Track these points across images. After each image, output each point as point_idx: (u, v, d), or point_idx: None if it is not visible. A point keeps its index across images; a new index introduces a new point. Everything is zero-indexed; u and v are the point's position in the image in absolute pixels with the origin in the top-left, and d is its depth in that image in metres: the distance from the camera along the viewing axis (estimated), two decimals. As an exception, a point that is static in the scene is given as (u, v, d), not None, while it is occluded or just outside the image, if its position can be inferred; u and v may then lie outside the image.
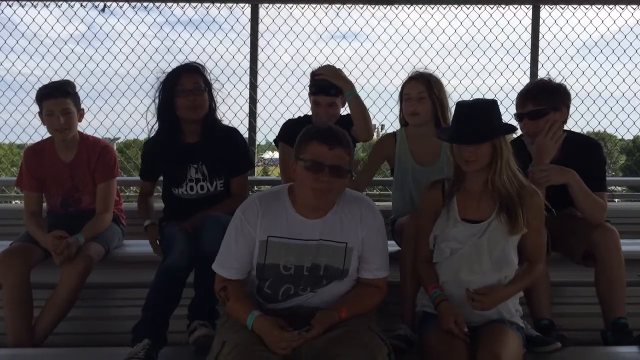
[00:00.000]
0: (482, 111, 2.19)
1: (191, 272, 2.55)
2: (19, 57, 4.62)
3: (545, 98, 2.67)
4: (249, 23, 4.40)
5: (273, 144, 3.36)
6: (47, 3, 4.43)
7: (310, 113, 3.12)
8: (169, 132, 2.84)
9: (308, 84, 3.08)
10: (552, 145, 2.56)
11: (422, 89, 2.91)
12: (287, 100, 4.65)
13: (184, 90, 2.78)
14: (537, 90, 2.72)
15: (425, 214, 2.33)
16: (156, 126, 2.90)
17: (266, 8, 4.45)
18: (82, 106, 3.00)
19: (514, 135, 2.58)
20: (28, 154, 2.99)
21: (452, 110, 2.76)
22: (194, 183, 2.84)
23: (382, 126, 5.28)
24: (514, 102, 2.81)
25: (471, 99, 2.39)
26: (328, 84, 2.89)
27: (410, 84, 2.96)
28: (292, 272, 2.09)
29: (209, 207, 2.77)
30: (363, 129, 2.85)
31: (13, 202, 5.06)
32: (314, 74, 2.98)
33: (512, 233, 2.17)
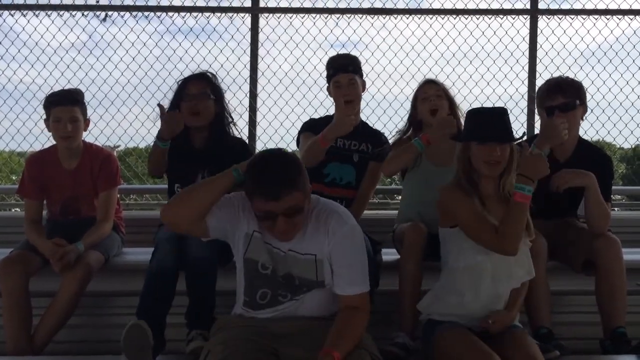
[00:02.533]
0: (503, 114, 2.28)
1: (181, 274, 2.56)
2: (20, 65, 4.65)
3: (573, 91, 2.80)
4: (249, 32, 4.43)
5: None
6: (49, 12, 4.45)
7: (329, 113, 3.16)
8: (178, 136, 2.85)
9: (325, 75, 3.11)
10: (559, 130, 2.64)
11: (439, 88, 3.01)
12: (286, 108, 4.67)
13: (189, 95, 2.87)
14: (566, 84, 2.83)
15: (470, 206, 2.24)
16: None
17: (266, 17, 4.48)
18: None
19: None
20: (30, 162, 3.01)
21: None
22: None
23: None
24: (537, 98, 2.94)
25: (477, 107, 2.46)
26: (345, 63, 3.01)
27: (427, 85, 3.04)
28: (268, 272, 2.02)
29: None
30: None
31: (12, 210, 5.06)
32: (330, 61, 3.08)
33: (527, 236, 2.22)
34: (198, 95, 2.86)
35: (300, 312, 2.08)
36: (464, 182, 2.28)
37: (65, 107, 2.86)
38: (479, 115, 2.32)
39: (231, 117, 3.02)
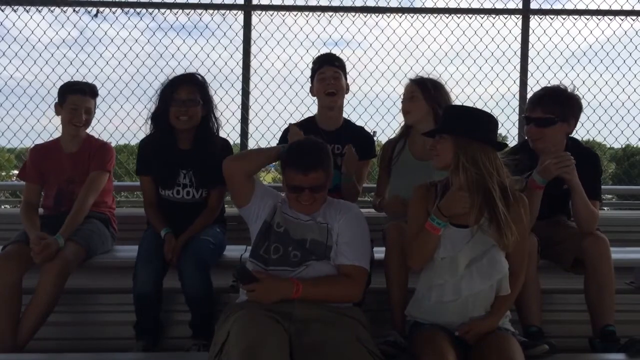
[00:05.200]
0: (454, 113, 2.27)
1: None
2: (10, 61, 4.61)
3: (555, 108, 2.69)
4: (242, 30, 4.43)
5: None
6: (40, 7, 4.43)
7: (311, 114, 3.16)
8: (163, 137, 2.90)
9: (309, 75, 3.11)
10: (553, 170, 2.53)
11: (414, 89, 2.95)
12: (279, 106, 4.67)
13: (178, 100, 2.85)
14: (549, 98, 2.72)
15: (417, 213, 2.28)
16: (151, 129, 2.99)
17: (259, 15, 4.48)
18: None
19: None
20: (34, 150, 3.10)
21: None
22: (181, 188, 2.91)
23: (374, 132, 5.30)
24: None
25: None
26: (332, 58, 3.04)
27: (406, 86, 3.02)
28: (281, 230, 2.28)
29: (191, 212, 2.88)
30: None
31: (2, 207, 5.03)
32: (315, 58, 3.09)
33: (503, 249, 2.18)
34: (187, 101, 2.85)
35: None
36: (443, 179, 2.30)
37: (84, 97, 2.99)
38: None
39: (217, 120, 3.00)
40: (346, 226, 2.29)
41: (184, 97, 2.85)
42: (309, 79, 3.12)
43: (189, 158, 2.90)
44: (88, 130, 3.13)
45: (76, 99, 2.96)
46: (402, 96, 3.02)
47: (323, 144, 2.35)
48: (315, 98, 3.11)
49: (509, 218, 2.15)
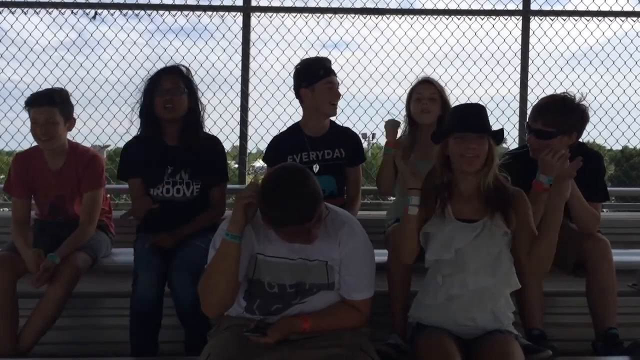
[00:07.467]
0: (480, 109, 2.27)
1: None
2: (8, 63, 4.59)
3: (556, 120, 2.60)
4: (241, 31, 4.42)
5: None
6: (38, 10, 4.41)
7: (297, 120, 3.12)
8: (150, 132, 2.86)
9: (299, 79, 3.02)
10: (554, 162, 2.53)
11: (434, 90, 2.97)
12: (278, 108, 4.65)
13: (162, 90, 2.83)
14: (552, 109, 2.63)
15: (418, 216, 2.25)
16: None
17: (258, 17, 4.47)
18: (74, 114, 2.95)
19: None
20: (17, 160, 2.96)
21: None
22: (170, 185, 2.86)
23: (373, 135, 5.30)
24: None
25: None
26: (330, 65, 2.99)
27: (422, 85, 3.00)
28: (276, 290, 2.05)
29: (185, 211, 2.82)
30: None
31: (1, 210, 5.00)
32: (317, 61, 2.99)
33: (509, 227, 2.18)
34: (172, 89, 2.83)
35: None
36: (445, 181, 2.27)
37: (41, 108, 2.75)
38: (456, 109, 2.33)
39: (202, 111, 2.96)
40: (350, 259, 2.04)
41: (168, 86, 2.83)
42: (308, 86, 2.97)
43: (177, 154, 2.87)
44: (80, 139, 3.09)
45: (34, 112, 2.76)
46: (415, 95, 2.98)
47: (307, 184, 1.87)
48: (306, 104, 3.02)
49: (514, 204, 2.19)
